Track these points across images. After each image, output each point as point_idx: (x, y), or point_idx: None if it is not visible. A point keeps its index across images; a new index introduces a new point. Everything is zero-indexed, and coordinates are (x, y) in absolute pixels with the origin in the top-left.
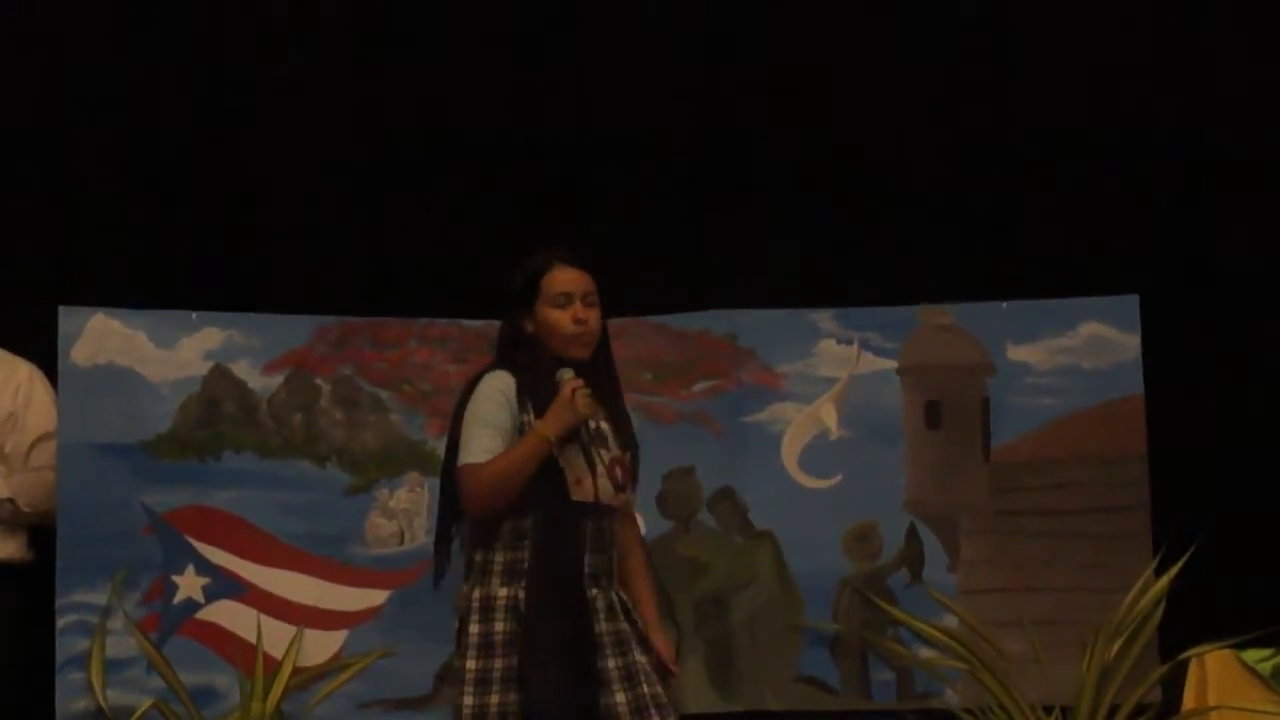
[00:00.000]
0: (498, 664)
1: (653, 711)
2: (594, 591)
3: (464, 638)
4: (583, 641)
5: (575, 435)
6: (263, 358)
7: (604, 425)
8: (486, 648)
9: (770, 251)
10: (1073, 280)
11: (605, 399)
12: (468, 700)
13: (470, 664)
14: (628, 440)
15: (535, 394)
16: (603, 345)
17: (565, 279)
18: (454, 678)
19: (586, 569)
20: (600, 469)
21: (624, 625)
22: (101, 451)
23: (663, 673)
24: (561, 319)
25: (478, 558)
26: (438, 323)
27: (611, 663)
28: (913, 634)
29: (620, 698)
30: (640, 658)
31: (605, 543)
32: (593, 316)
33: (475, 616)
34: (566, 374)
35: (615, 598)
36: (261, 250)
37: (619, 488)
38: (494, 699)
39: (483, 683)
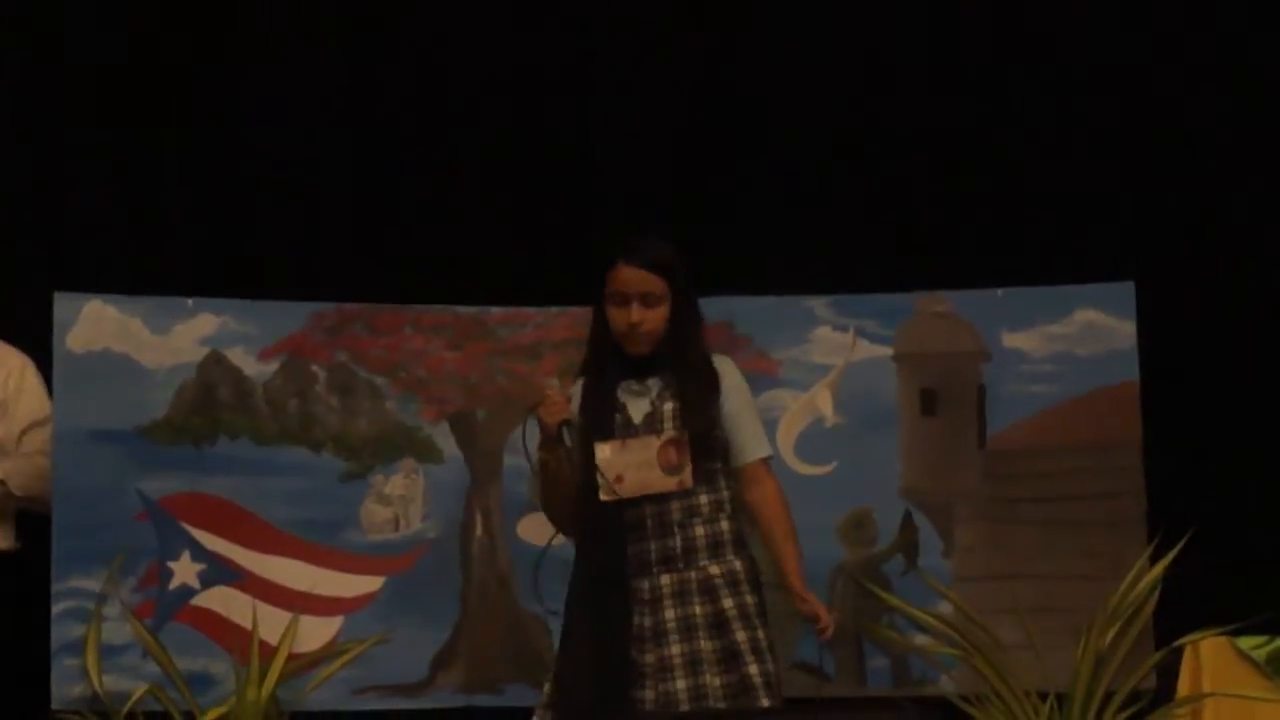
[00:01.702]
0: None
1: (760, 691)
2: (665, 577)
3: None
4: (617, 638)
5: (608, 433)
6: (258, 344)
7: (667, 406)
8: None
9: (766, 238)
10: (1068, 267)
11: (681, 373)
12: (546, 688)
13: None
14: (699, 414)
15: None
16: (682, 331)
17: (623, 278)
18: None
19: (650, 556)
20: (645, 458)
21: (696, 609)
22: (97, 437)
23: (756, 650)
24: (617, 317)
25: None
26: (433, 309)
27: (676, 649)
28: (908, 621)
29: (681, 684)
30: (714, 643)
31: (671, 525)
32: (649, 317)
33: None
34: (548, 384)
35: (699, 577)
36: (257, 236)
37: (672, 470)
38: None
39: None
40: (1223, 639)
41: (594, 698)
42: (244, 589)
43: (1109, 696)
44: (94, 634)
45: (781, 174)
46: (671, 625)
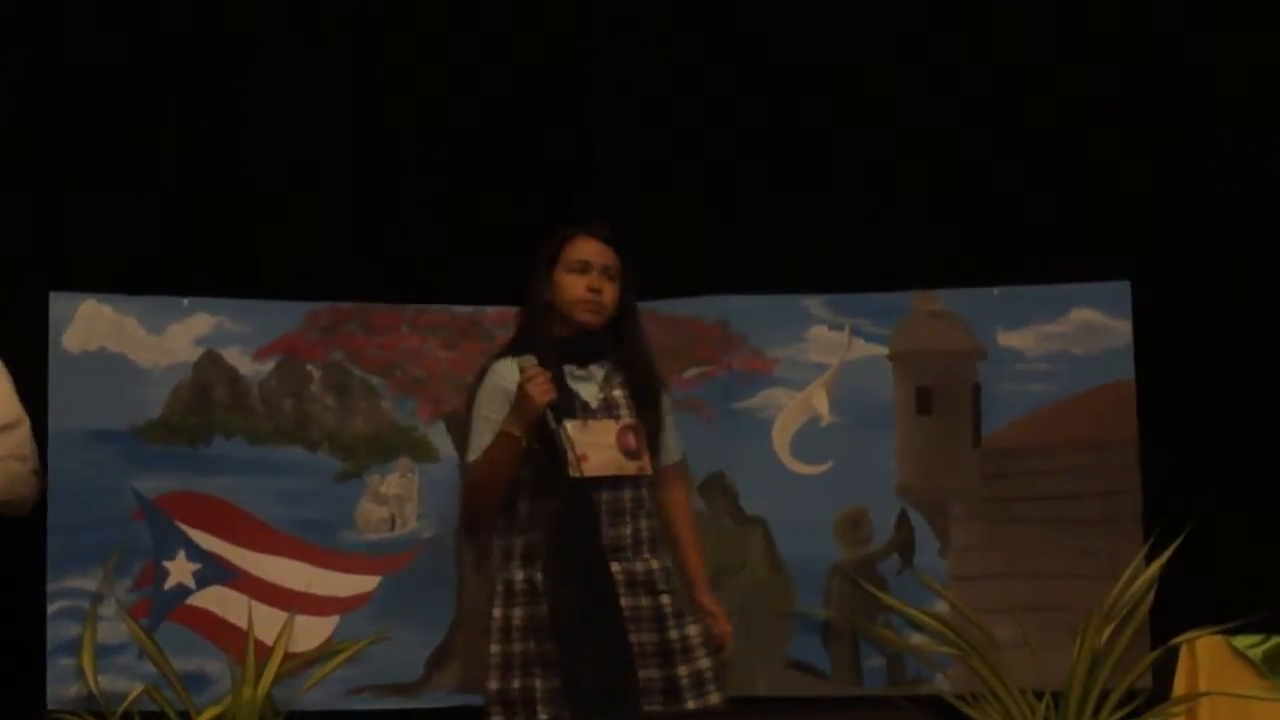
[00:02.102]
0: (517, 647)
1: (687, 692)
2: (615, 565)
3: (491, 622)
4: (610, 617)
5: (570, 413)
6: (253, 343)
7: (617, 394)
8: (506, 632)
9: (761, 237)
10: (1064, 266)
11: (626, 365)
12: (492, 685)
13: (495, 648)
14: (645, 406)
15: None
16: (625, 317)
17: (587, 248)
18: (481, 662)
19: (605, 542)
20: (605, 440)
21: (642, 600)
22: (92, 437)
23: (711, 642)
24: (575, 283)
25: (499, 543)
26: (429, 309)
27: (643, 638)
28: (904, 620)
29: (651, 674)
30: (677, 633)
31: (622, 513)
32: (609, 288)
33: (498, 601)
34: (525, 362)
35: (643, 568)
36: (253, 236)
37: (631, 455)
38: (516, 683)
39: (505, 667)
40: (1219, 638)
41: (599, 682)
42: (239, 588)
43: (1105, 695)
44: (89, 634)
45: (776, 172)
46: (627, 614)
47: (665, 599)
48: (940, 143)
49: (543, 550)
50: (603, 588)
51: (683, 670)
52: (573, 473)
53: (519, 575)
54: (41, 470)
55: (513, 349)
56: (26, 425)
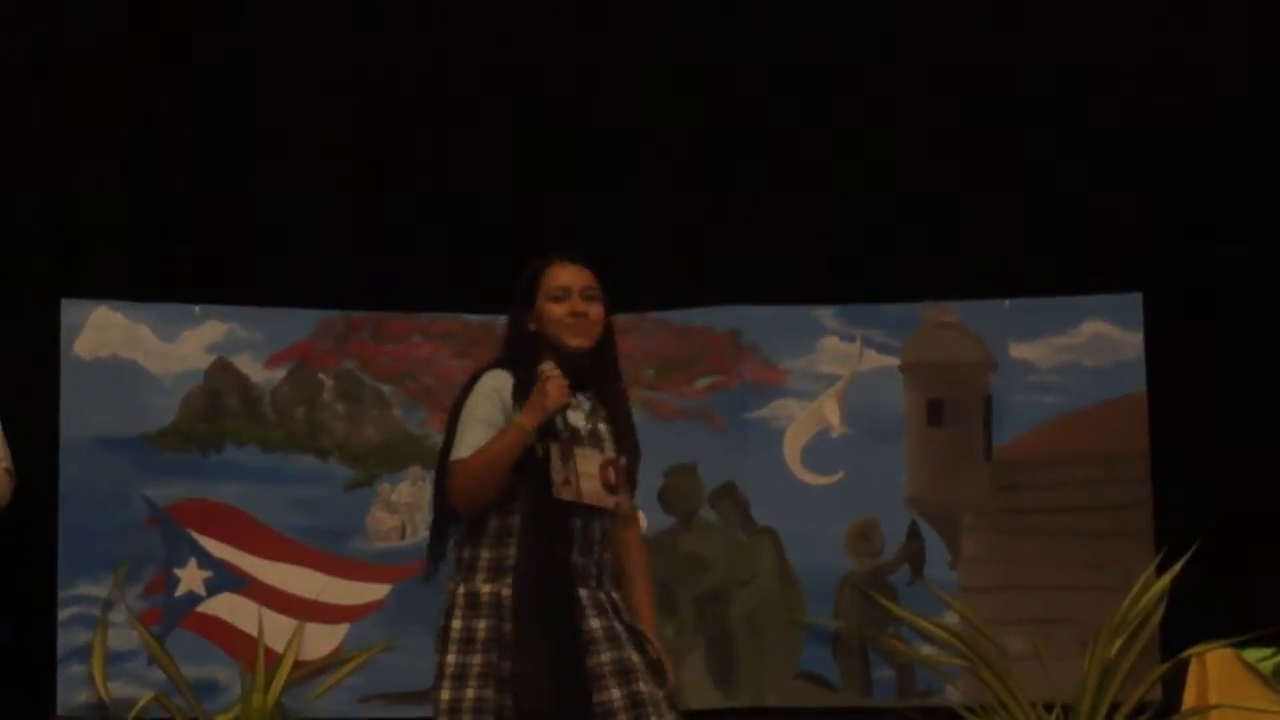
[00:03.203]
0: (477, 659)
1: (649, 709)
2: (583, 591)
3: (446, 632)
4: (572, 638)
5: (558, 435)
6: (265, 351)
7: (601, 427)
8: (467, 643)
9: (773, 248)
10: (1075, 278)
11: (607, 400)
12: (444, 695)
13: (450, 658)
14: (627, 443)
15: (530, 393)
16: (606, 344)
17: (564, 274)
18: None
19: (575, 567)
20: (589, 470)
21: (615, 623)
22: (104, 444)
23: (659, 674)
24: (558, 310)
25: (465, 554)
26: (441, 317)
27: (606, 657)
28: (914, 631)
29: (616, 693)
30: (635, 655)
31: (593, 543)
32: (593, 309)
33: (458, 611)
34: (546, 366)
35: (605, 598)
36: (264, 243)
37: (610, 490)
38: (470, 693)
39: (460, 677)
40: (1229, 651)
41: (556, 701)
42: (250, 596)
43: (1115, 708)
44: (100, 640)
45: (788, 184)
46: (602, 634)
47: (618, 625)
48: (951, 154)
49: (512, 566)
50: (568, 610)
51: (642, 688)
52: (559, 494)
53: (485, 589)
54: (14, 470)
55: (502, 365)
56: None
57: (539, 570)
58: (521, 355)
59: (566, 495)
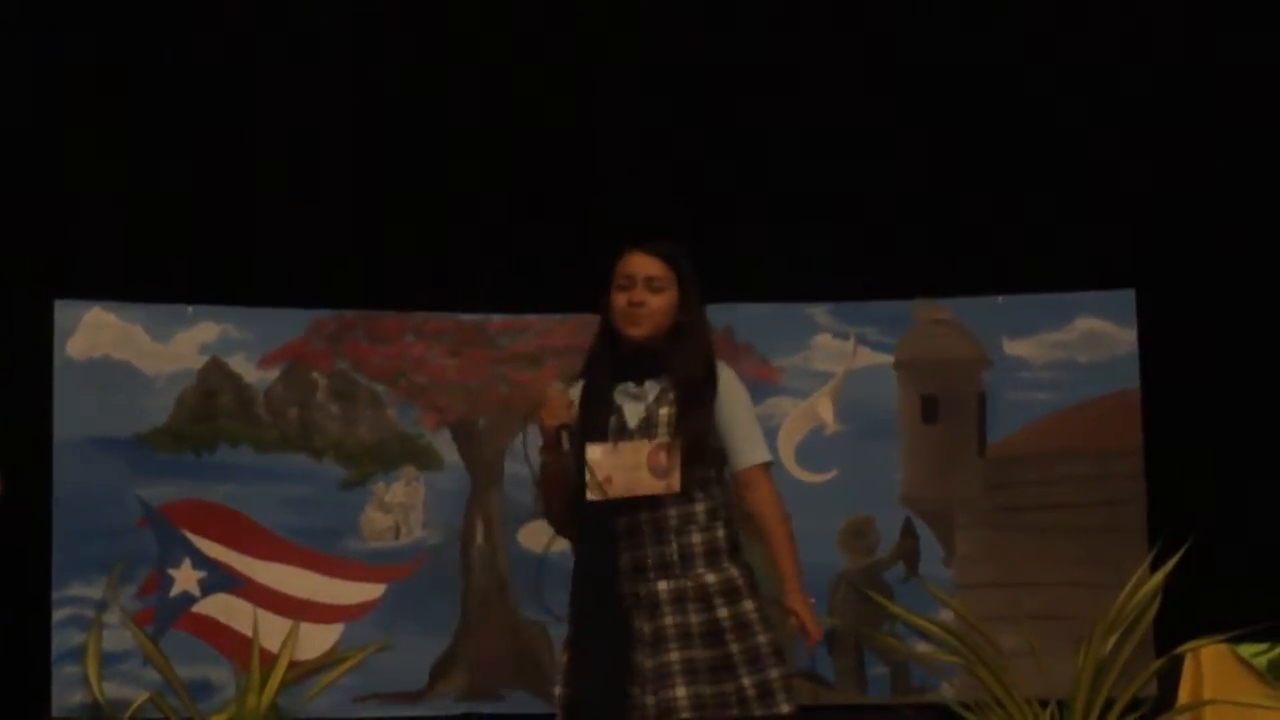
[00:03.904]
0: (564, 660)
1: (754, 702)
2: (662, 584)
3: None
4: (616, 638)
5: (602, 435)
6: (259, 351)
7: (663, 411)
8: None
9: (766, 245)
10: (1069, 275)
11: (683, 384)
12: (558, 690)
13: (563, 658)
14: (690, 417)
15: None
16: (685, 329)
17: (633, 262)
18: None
19: (646, 562)
20: (633, 461)
21: (692, 617)
22: (97, 445)
23: (759, 659)
24: (618, 299)
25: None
26: (434, 317)
27: (675, 655)
28: (908, 628)
29: (681, 691)
30: (739, 645)
31: (668, 531)
32: (652, 299)
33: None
34: (551, 390)
35: (693, 585)
36: (258, 244)
37: (660, 474)
38: (562, 692)
39: (563, 677)
40: (1223, 646)
41: (596, 703)
42: (244, 596)
43: (1110, 704)
44: (94, 641)
45: (781, 181)
46: (670, 632)
47: (724, 612)
48: (945, 151)
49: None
50: (609, 612)
51: (747, 681)
52: (591, 494)
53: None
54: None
55: (583, 371)
56: None
57: (582, 574)
58: (595, 346)
59: (593, 495)
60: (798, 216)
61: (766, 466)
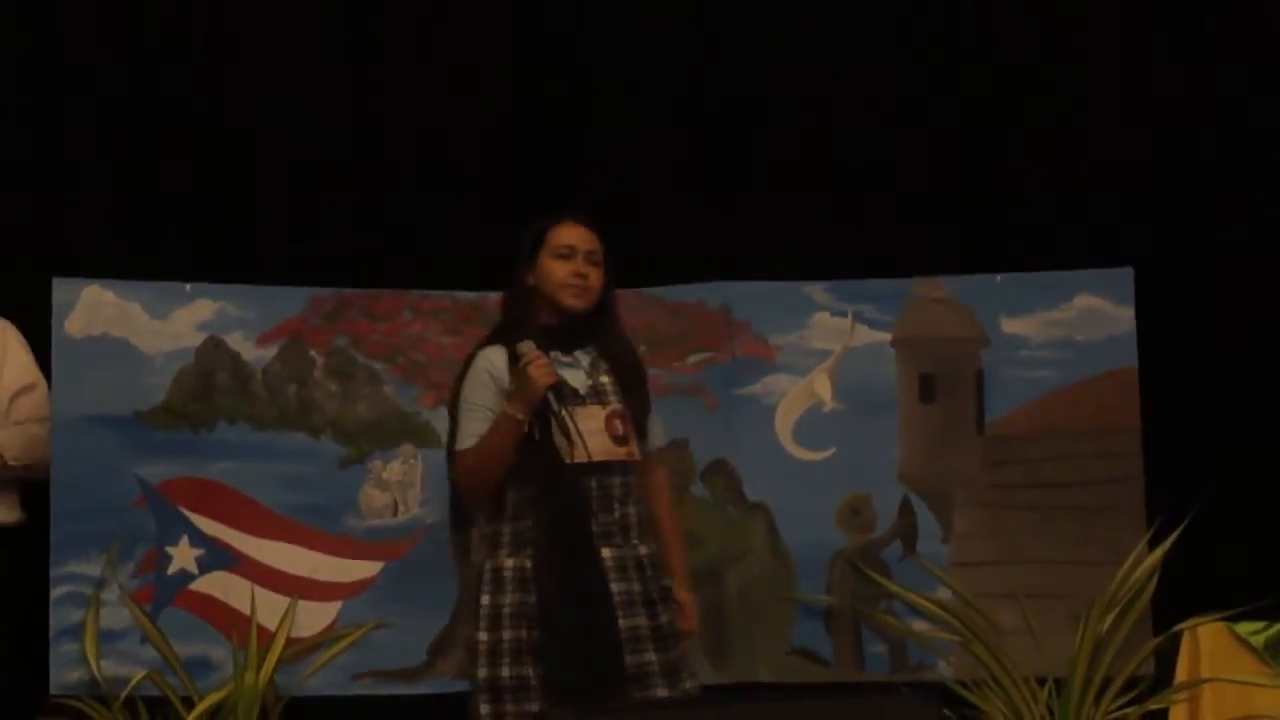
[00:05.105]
0: (506, 635)
1: (656, 679)
2: (606, 550)
3: (477, 610)
4: (598, 602)
5: (555, 406)
6: (256, 329)
7: (604, 380)
8: (495, 619)
9: (764, 223)
10: (1067, 253)
11: (609, 353)
12: (482, 673)
13: (482, 636)
14: (631, 393)
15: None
16: (607, 304)
17: (571, 234)
18: (467, 648)
19: (595, 528)
20: (594, 427)
21: (635, 585)
22: (95, 423)
23: (675, 635)
24: (560, 267)
25: (486, 530)
26: (432, 294)
27: (623, 623)
28: (906, 606)
29: (648, 658)
30: (648, 621)
31: (612, 499)
32: (594, 273)
33: (485, 589)
34: (524, 347)
35: (631, 555)
36: (256, 221)
37: (619, 441)
38: (505, 671)
39: (494, 654)
40: (1221, 625)
41: (583, 668)
42: (242, 574)
43: (1107, 682)
44: (92, 619)
45: (779, 159)
46: (618, 599)
47: (654, 585)
48: (943, 128)
49: (532, 538)
50: (592, 575)
51: (673, 655)
52: (569, 458)
53: (508, 563)
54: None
55: (498, 337)
56: (44, 388)
57: (557, 537)
58: (516, 311)
59: (578, 458)
60: (795, 194)
61: (663, 451)
